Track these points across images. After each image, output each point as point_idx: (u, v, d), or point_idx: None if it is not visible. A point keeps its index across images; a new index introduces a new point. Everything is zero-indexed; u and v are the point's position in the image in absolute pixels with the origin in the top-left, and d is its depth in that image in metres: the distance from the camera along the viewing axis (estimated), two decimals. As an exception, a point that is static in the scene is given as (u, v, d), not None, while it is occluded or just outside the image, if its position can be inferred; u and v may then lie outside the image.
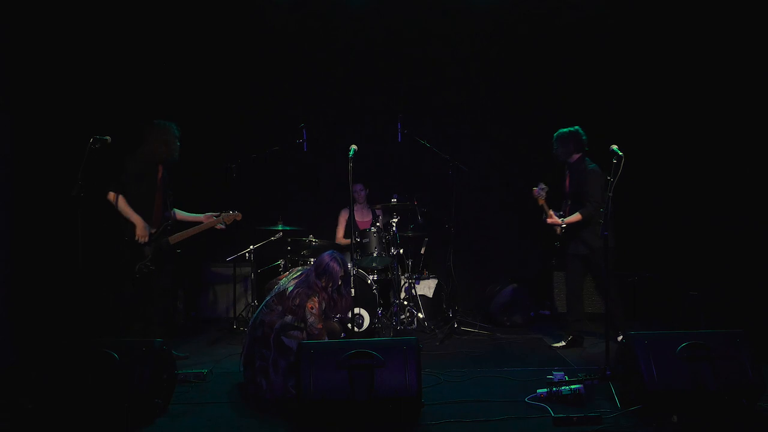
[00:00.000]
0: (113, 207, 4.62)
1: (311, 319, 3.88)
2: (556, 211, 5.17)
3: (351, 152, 4.32)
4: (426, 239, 6.32)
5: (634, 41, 6.40)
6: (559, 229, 5.09)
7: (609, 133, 4.86)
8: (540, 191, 5.10)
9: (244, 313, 6.17)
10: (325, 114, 6.82)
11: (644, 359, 3.34)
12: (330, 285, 4.05)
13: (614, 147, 4.17)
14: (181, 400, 3.72)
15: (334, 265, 4.06)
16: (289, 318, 3.87)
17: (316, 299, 3.94)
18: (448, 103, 7.04)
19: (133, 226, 4.63)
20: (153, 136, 4.73)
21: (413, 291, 6.12)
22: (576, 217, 4.99)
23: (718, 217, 5.69)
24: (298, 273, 4.17)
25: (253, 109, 6.90)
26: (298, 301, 3.89)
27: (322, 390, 3.24)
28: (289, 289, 3.95)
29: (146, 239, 4.65)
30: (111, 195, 4.61)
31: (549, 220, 5.10)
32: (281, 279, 4.30)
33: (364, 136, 5.72)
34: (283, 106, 6.86)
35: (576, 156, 5.14)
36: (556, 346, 5.15)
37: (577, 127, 5.17)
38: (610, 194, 4.18)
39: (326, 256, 4.13)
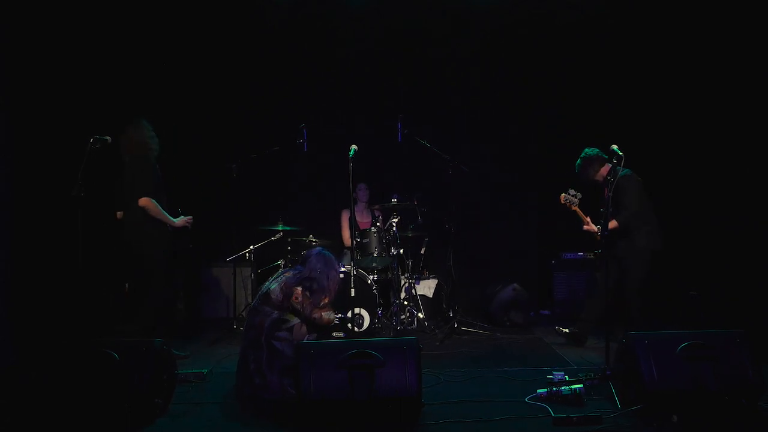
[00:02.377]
0: (141, 214, 4.60)
1: (300, 308, 3.87)
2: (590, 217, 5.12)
3: (351, 152, 4.32)
4: (426, 239, 6.32)
5: (634, 41, 6.40)
6: (598, 236, 4.98)
7: (609, 133, 4.85)
8: (569, 197, 5.07)
9: (244, 313, 6.16)
10: (325, 114, 6.82)
11: (644, 359, 3.34)
12: (312, 280, 4.02)
13: (614, 147, 4.17)
14: (182, 400, 3.72)
15: (316, 261, 4.06)
16: (275, 314, 3.84)
17: (298, 289, 3.93)
18: (448, 103, 7.04)
19: (166, 225, 4.70)
20: (137, 135, 4.73)
21: (413, 291, 6.12)
22: (612, 224, 4.91)
23: (718, 217, 5.69)
24: (279, 274, 4.16)
25: (253, 109, 6.90)
26: (282, 296, 3.89)
27: (321, 390, 3.23)
28: (272, 287, 3.95)
29: (189, 222, 4.84)
30: (144, 200, 4.57)
31: (585, 227, 5.07)
32: (264, 284, 4.29)
33: (364, 136, 5.72)
34: (283, 106, 6.85)
35: (605, 170, 5.10)
36: (559, 329, 5.23)
37: (585, 150, 5.16)
38: (611, 194, 4.18)
39: (312, 251, 4.16)
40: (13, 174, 4.99)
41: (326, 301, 4.10)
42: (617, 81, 6.59)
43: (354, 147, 4.35)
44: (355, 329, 5.26)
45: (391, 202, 6.01)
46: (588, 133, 5.97)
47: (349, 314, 4.39)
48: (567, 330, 5.19)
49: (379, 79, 6.94)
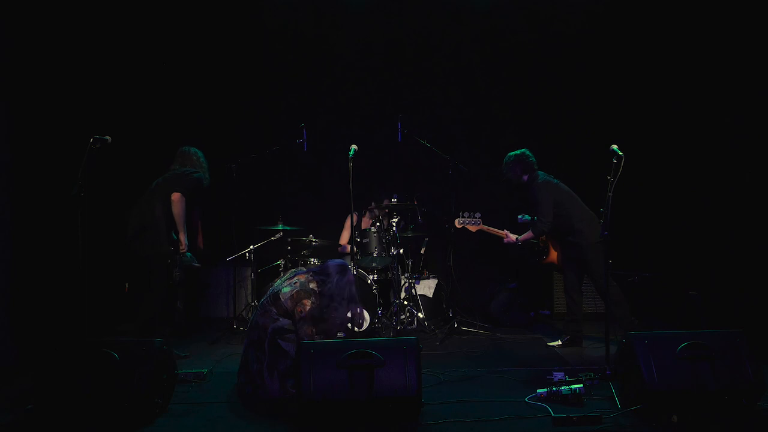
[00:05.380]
0: (162, 214, 4.70)
1: (300, 322, 3.85)
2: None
3: (351, 152, 4.33)
4: (426, 239, 6.33)
5: (634, 41, 6.41)
6: (540, 243, 5.28)
7: (609, 133, 4.86)
8: (465, 220, 5.09)
9: (244, 313, 6.17)
10: (325, 114, 6.82)
11: (644, 359, 3.34)
12: (332, 301, 3.94)
13: (614, 147, 4.17)
14: (182, 400, 3.72)
15: (340, 279, 3.97)
16: (282, 321, 3.83)
17: (308, 302, 3.90)
18: (448, 103, 7.05)
19: (176, 234, 4.79)
20: (195, 161, 5.05)
21: (413, 291, 6.12)
22: (527, 234, 5.14)
23: (718, 217, 5.69)
24: (293, 274, 4.12)
25: (253, 109, 6.90)
26: (290, 304, 3.86)
27: (321, 390, 3.23)
28: (284, 290, 3.92)
29: (185, 249, 4.87)
30: (177, 195, 4.73)
31: (506, 240, 5.25)
32: (276, 281, 4.26)
33: (364, 136, 5.73)
34: (283, 106, 6.86)
35: (525, 177, 5.17)
36: (553, 345, 5.16)
37: (523, 149, 5.18)
38: (611, 194, 4.18)
39: (335, 266, 4.02)
40: (13, 174, 4.98)
41: (333, 321, 4.04)
42: (617, 81, 6.60)
43: (354, 147, 4.36)
44: (355, 329, 5.25)
45: (391, 201, 6.01)
46: (588, 133, 5.99)
47: (349, 314, 4.38)
48: (559, 342, 5.18)
49: (379, 79, 6.94)
